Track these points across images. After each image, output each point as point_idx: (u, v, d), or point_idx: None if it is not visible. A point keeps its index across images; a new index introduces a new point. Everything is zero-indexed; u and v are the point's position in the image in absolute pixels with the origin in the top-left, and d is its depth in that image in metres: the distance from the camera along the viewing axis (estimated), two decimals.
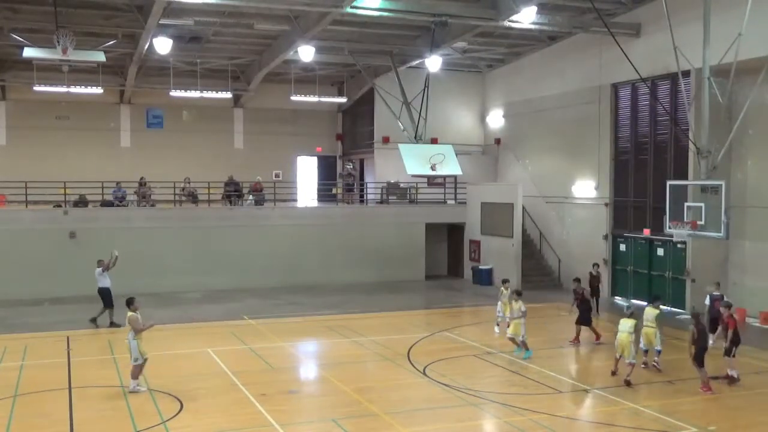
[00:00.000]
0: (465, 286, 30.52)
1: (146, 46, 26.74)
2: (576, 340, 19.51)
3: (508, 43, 30.41)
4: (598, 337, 19.57)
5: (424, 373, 16.43)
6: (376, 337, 19.92)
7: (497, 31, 27.93)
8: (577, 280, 21.05)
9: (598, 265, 24.39)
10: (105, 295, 21.28)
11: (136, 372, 14.96)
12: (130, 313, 15.16)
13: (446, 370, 16.65)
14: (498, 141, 35.16)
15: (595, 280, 23.43)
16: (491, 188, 32.06)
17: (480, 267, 30.46)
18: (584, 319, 19.62)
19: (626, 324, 15.82)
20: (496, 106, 35.37)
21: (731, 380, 15.45)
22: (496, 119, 35.38)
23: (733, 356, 15.57)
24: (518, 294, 18.74)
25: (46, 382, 15.47)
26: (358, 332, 20.71)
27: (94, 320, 21.33)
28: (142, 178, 30.23)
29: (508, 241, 29.25)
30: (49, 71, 30.44)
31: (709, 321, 18.54)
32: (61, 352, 18.22)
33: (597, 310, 22.58)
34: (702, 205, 19.41)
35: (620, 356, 15.78)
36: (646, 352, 16.79)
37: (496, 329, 20.67)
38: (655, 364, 16.65)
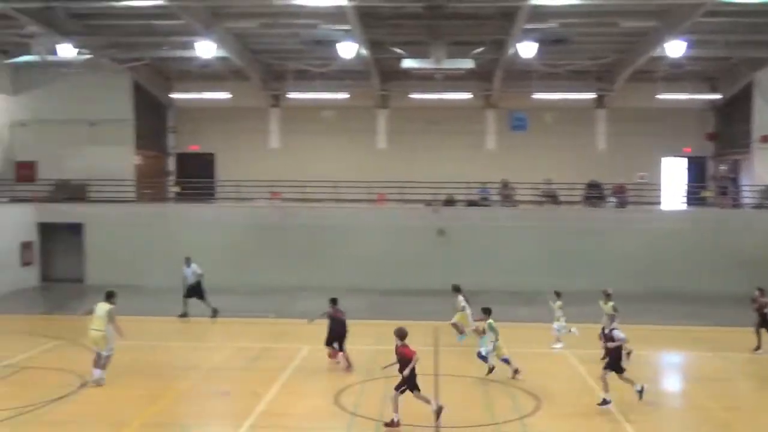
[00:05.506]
0: None
1: (511, 51, 27.55)
2: None
3: None
4: None
5: None
6: (746, 354, 18.19)
7: None
8: None
9: None
10: None
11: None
12: (111, 306, 15.14)
13: None
14: None
15: None
16: None
17: None
18: None
19: None
20: None
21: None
22: None
23: None
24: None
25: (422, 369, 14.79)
26: (726, 347, 18.98)
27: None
28: (504, 180, 31.24)
29: None
30: (424, 80, 32.59)
31: None
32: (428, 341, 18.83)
33: None
34: None
35: None
36: None
37: None
38: None
